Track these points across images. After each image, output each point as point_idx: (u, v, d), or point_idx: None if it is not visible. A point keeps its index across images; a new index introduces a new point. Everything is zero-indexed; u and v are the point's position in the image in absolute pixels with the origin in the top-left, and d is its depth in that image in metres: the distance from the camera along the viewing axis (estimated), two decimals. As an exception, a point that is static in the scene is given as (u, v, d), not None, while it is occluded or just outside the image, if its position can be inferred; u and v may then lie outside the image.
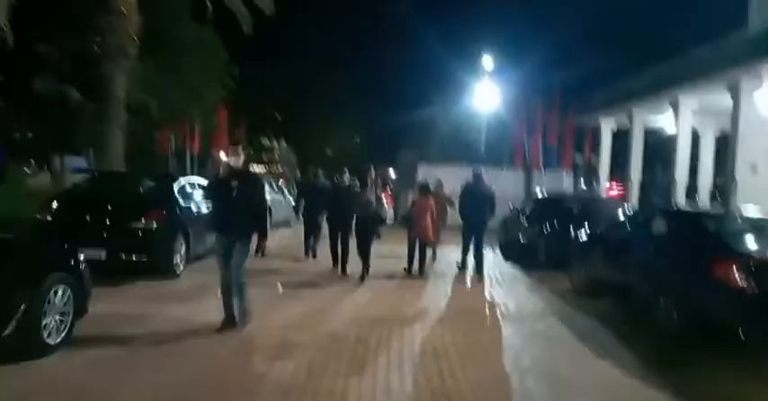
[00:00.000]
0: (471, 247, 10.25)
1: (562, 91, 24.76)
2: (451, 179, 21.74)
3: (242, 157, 6.09)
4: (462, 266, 10.53)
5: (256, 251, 6.00)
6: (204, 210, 10.12)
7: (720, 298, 5.39)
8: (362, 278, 9.05)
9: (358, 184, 9.93)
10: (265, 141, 30.86)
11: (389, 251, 10.85)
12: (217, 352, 5.24)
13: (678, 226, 6.71)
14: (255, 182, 6.20)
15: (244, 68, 33.10)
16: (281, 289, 8.08)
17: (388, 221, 13.68)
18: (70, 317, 5.14)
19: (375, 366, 5.05)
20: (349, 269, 9.50)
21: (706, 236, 6.18)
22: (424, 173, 21.36)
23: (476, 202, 10.18)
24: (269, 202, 15.90)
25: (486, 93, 31.80)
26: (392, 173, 42.68)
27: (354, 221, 9.26)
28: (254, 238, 6.18)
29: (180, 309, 6.72)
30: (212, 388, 4.43)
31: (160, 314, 6.49)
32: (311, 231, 11.34)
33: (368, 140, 54.27)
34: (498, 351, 5.74)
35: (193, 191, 9.94)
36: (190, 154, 27.71)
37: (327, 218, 10.11)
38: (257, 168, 47.96)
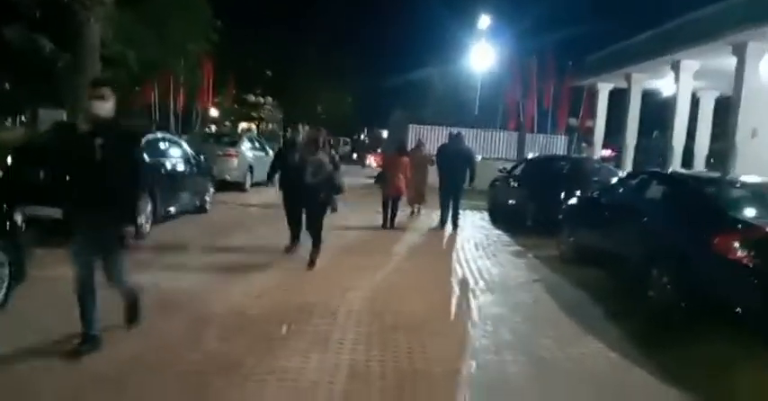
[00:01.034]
0: (450, 205, 10.65)
1: (559, 53, 24.06)
2: (442, 139, 21.33)
3: (110, 102, 4.08)
4: (441, 224, 10.76)
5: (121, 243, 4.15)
6: (176, 167, 9.63)
7: (718, 273, 4.95)
8: (312, 262, 7.02)
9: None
10: (251, 97, 29.91)
11: (371, 208, 11.27)
12: (163, 328, 4.71)
13: (675, 191, 6.23)
14: (129, 141, 4.49)
15: (232, 23, 32.00)
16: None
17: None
18: (5, 284, 4.65)
19: (338, 342, 4.60)
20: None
21: (705, 203, 5.69)
22: (415, 133, 20.90)
23: (452, 162, 10.57)
24: (250, 159, 15.66)
25: (482, 54, 30.98)
26: (384, 134, 42.01)
27: (304, 189, 7.04)
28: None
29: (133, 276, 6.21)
30: (153, 369, 3.93)
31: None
32: None
33: (361, 100, 53.29)
34: (476, 323, 5.31)
35: (163, 146, 9.37)
36: (174, 109, 26.94)
37: (280, 184, 8.05)
38: (245, 125, 47.29)
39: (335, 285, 6.28)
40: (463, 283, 6.84)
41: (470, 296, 6.29)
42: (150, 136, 8.99)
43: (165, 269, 6.46)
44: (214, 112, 44.71)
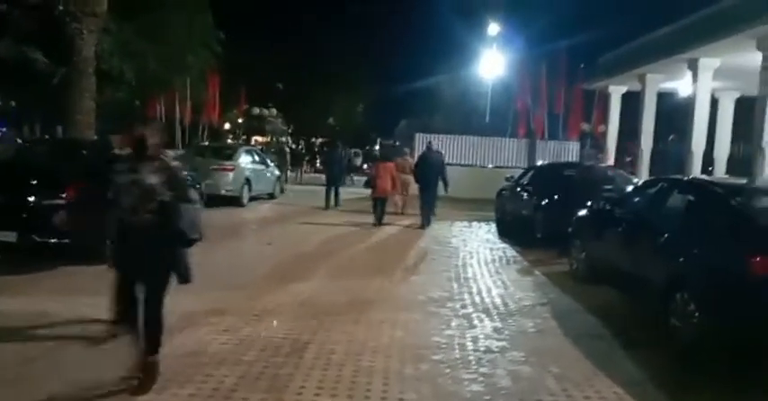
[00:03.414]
0: (427, 208, 12.13)
1: (571, 56, 23.17)
2: (451, 148, 20.60)
3: None
4: (423, 224, 11.97)
5: None
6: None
7: (758, 299, 4.11)
8: (141, 383, 3.74)
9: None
10: (255, 110, 29.36)
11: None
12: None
13: (700, 201, 5.38)
14: None
15: (241, 36, 31.62)
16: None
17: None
18: None
19: (298, 392, 3.85)
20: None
21: (738, 215, 4.85)
22: (422, 142, 20.17)
23: (428, 169, 12.28)
24: (248, 173, 15.00)
25: (492, 61, 30.28)
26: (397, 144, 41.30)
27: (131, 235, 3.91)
28: None
29: (89, 306, 5.51)
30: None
31: (63, 312, 5.31)
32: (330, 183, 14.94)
33: (372, 110, 52.77)
34: (470, 362, 4.50)
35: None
36: (180, 123, 26.54)
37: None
38: (260, 139, 46.72)
39: (310, 311, 5.52)
40: (459, 308, 6.03)
41: (466, 324, 5.49)
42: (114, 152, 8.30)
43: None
44: (227, 126, 44.43)
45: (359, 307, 5.87)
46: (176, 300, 5.66)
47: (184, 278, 3.99)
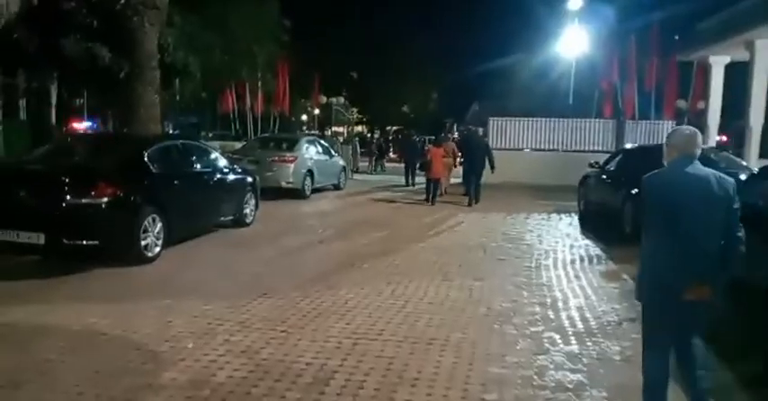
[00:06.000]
0: (473, 188, 13.21)
1: (662, 27, 21.02)
2: (529, 132, 19.23)
3: None
4: (469, 202, 13.06)
5: None
6: (198, 178, 8.45)
7: None
8: None
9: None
10: (322, 99, 28.88)
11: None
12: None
13: None
14: None
15: (311, 25, 31.27)
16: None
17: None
18: None
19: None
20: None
21: None
22: (496, 127, 19.05)
23: (470, 152, 13.69)
24: (310, 164, 14.40)
25: (574, 38, 28.29)
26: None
27: None
28: None
29: (102, 316, 4.94)
30: None
31: (74, 324, 4.76)
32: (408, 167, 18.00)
33: (445, 95, 51.47)
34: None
35: (180, 155, 8.16)
36: (252, 114, 26.64)
37: None
38: (339, 129, 46.48)
39: (347, 328, 4.68)
40: (527, 325, 5.00)
41: (533, 347, 4.47)
42: (160, 144, 7.78)
43: (144, 304, 5.17)
44: (303, 117, 44.54)
45: (406, 323, 4.98)
46: (202, 311, 5.10)
47: None
